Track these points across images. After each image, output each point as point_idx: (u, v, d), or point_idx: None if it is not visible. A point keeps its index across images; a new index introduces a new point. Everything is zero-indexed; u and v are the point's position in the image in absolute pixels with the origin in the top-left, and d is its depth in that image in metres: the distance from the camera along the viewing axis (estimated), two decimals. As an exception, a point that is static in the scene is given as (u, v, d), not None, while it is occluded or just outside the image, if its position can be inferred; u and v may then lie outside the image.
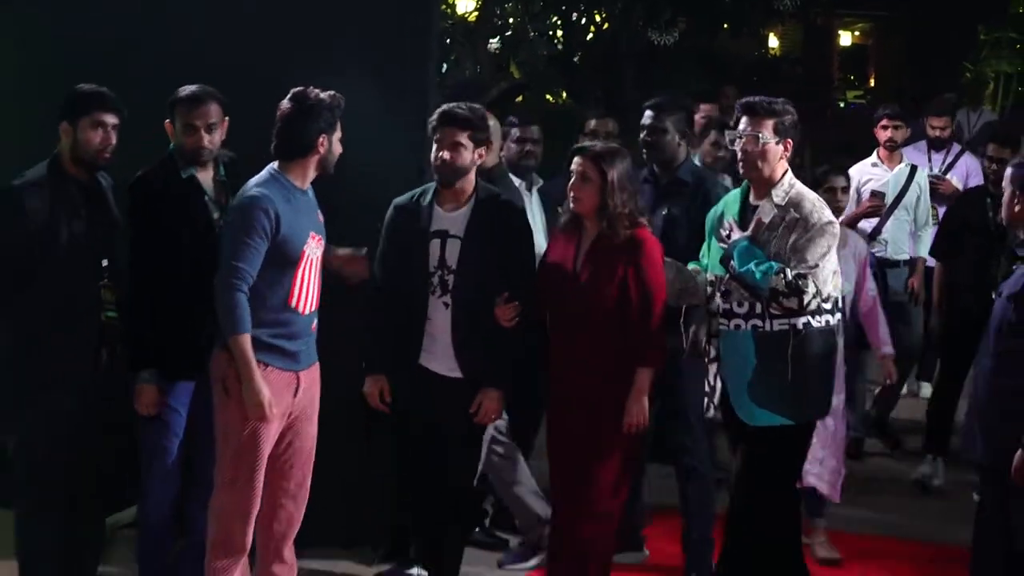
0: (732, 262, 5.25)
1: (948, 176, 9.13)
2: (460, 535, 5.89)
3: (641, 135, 6.31)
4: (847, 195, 6.93)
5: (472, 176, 5.60)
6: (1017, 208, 5.23)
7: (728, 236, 5.31)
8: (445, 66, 11.52)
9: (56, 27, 6.58)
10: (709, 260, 5.52)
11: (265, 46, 6.20)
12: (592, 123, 8.08)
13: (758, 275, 5.16)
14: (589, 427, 5.48)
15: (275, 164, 5.22)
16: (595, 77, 13.54)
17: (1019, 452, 4.93)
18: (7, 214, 5.32)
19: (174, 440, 5.54)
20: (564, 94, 13.64)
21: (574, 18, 13.62)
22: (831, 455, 6.44)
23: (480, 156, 5.58)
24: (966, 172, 9.13)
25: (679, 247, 5.80)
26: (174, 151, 5.52)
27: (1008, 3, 17.77)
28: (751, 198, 5.41)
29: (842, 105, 23.91)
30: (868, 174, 8.71)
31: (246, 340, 5.04)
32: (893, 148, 8.85)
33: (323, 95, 5.19)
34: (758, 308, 5.26)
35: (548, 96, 13.51)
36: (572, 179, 5.53)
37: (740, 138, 5.34)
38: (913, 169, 8.78)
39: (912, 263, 8.61)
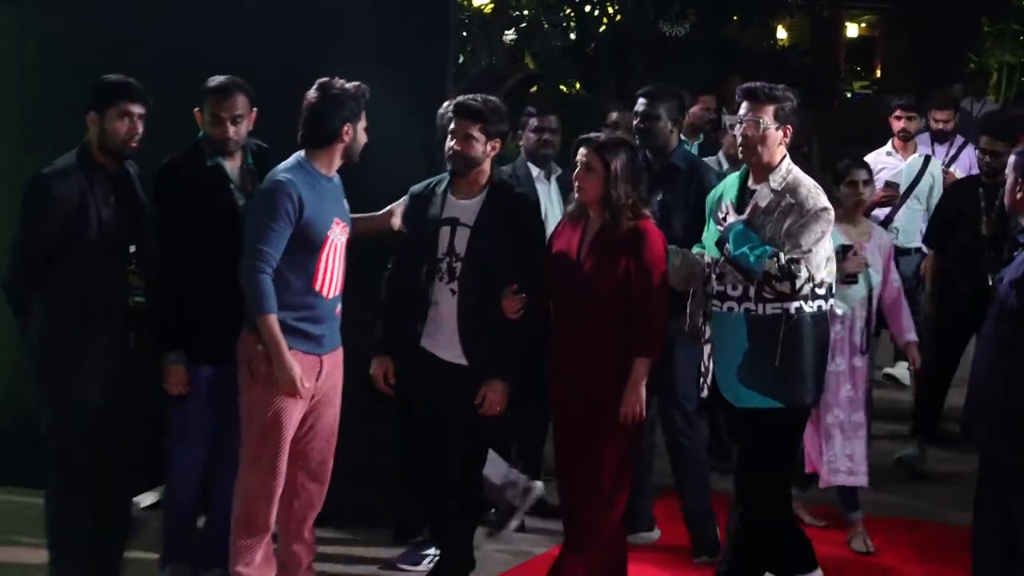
0: (727, 245, 5.28)
1: (951, 168, 9.17)
2: (467, 521, 5.84)
3: (634, 122, 6.42)
4: (868, 188, 6.77)
5: (487, 167, 5.64)
6: (1019, 195, 5.20)
7: (724, 219, 5.35)
8: (462, 57, 11.65)
9: (56, 27, 6.64)
10: (706, 242, 5.56)
11: (267, 46, 6.28)
12: (614, 115, 8.09)
13: (752, 259, 5.19)
14: (590, 415, 5.49)
15: (302, 152, 5.33)
16: (608, 68, 13.61)
17: None
18: (37, 202, 5.39)
19: (202, 420, 5.63)
20: (578, 85, 13.71)
21: (587, 10, 13.70)
22: (858, 447, 6.46)
23: (494, 148, 5.62)
24: (969, 164, 9.12)
25: (675, 232, 5.88)
26: (201, 139, 5.62)
27: (1011, -5, 17.89)
28: (750, 182, 5.44)
29: (849, 95, 23.96)
30: (882, 163, 8.75)
31: (274, 320, 5.15)
32: (907, 138, 8.93)
33: (348, 85, 5.30)
34: (752, 291, 5.28)
35: (562, 87, 13.58)
36: (576, 169, 5.56)
37: (741, 123, 5.37)
38: (927, 159, 8.85)
39: (923, 251, 8.59)
